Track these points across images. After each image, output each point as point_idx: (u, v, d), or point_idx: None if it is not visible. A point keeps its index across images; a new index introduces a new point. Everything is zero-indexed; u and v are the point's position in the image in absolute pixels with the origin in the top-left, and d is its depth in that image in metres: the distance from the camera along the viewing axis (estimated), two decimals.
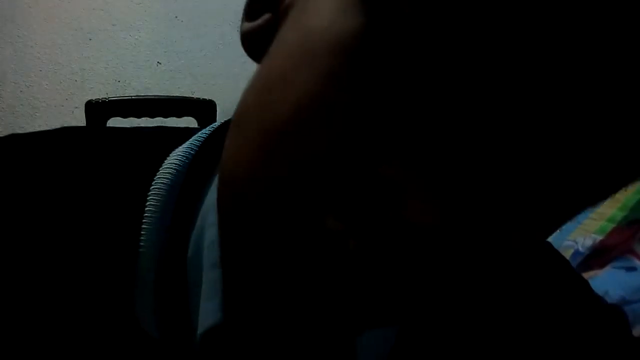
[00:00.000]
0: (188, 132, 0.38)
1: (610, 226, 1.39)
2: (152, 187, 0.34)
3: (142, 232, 0.33)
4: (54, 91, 2.04)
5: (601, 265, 1.35)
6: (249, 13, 0.31)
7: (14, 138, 0.37)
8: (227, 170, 0.28)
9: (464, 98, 0.22)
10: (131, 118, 1.50)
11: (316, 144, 0.24)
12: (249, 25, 0.31)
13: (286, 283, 0.27)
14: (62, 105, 2.05)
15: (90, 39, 2.06)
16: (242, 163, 0.26)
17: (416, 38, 0.22)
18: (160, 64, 2.12)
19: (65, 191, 0.34)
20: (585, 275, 1.30)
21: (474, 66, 0.21)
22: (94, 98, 1.48)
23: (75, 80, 2.06)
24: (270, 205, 0.25)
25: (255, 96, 0.27)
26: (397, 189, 0.23)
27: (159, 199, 0.34)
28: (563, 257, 0.43)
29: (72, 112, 2.04)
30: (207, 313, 0.32)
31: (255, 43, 0.30)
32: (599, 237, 1.37)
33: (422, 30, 0.21)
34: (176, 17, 2.11)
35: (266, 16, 0.30)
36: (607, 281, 1.26)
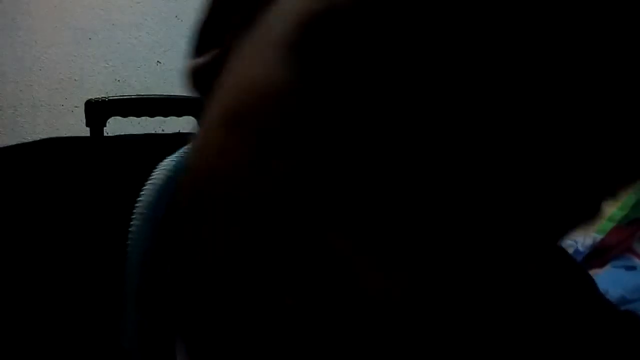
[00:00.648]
0: (178, 140, 0.36)
1: (610, 225, 1.39)
2: (138, 203, 0.33)
3: (126, 254, 0.32)
4: (54, 90, 2.04)
5: (601, 265, 1.35)
6: (197, 47, 0.30)
7: None
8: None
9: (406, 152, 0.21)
10: (131, 117, 1.50)
11: (244, 198, 0.22)
12: (195, 61, 0.30)
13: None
14: (62, 105, 2.05)
15: (90, 39, 2.06)
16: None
17: (349, 93, 0.21)
18: (160, 63, 2.12)
19: (49, 206, 0.33)
20: None
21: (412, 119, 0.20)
22: (93, 97, 1.47)
23: (75, 80, 2.06)
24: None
25: (200, 134, 0.26)
26: (347, 262, 0.21)
27: (144, 216, 0.32)
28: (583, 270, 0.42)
29: (72, 111, 2.04)
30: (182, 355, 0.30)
31: (200, 79, 0.29)
32: (599, 236, 1.37)
33: (354, 84, 0.20)
34: (176, 17, 2.11)
35: (214, 51, 0.29)
36: (607, 280, 1.26)
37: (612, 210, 1.40)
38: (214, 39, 0.29)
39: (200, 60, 0.29)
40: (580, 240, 1.37)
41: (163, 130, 1.97)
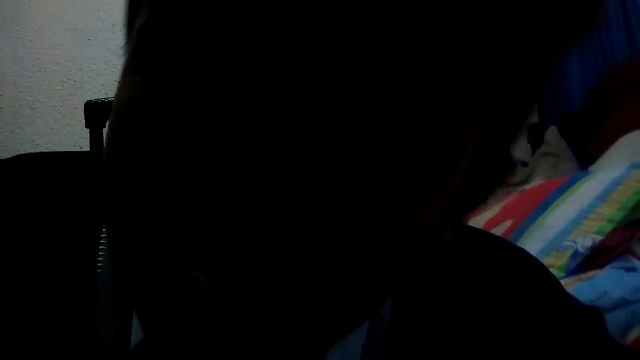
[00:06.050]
0: None
1: (610, 226, 1.39)
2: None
3: (99, 252, 0.34)
4: (54, 91, 2.04)
5: (601, 266, 1.35)
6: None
7: None
8: None
9: None
10: None
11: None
12: None
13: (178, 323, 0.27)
14: (62, 106, 2.05)
15: (89, 39, 2.06)
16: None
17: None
18: None
19: (24, 213, 0.35)
20: (585, 275, 1.30)
21: None
22: (93, 98, 1.48)
23: (75, 81, 2.06)
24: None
25: None
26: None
27: None
28: (540, 264, 0.43)
29: (72, 112, 2.03)
30: (136, 329, 0.32)
31: None
32: (599, 238, 1.37)
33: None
34: None
35: None
36: (606, 281, 1.26)
37: (612, 211, 1.40)
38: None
39: None
40: (579, 242, 1.37)
41: None
